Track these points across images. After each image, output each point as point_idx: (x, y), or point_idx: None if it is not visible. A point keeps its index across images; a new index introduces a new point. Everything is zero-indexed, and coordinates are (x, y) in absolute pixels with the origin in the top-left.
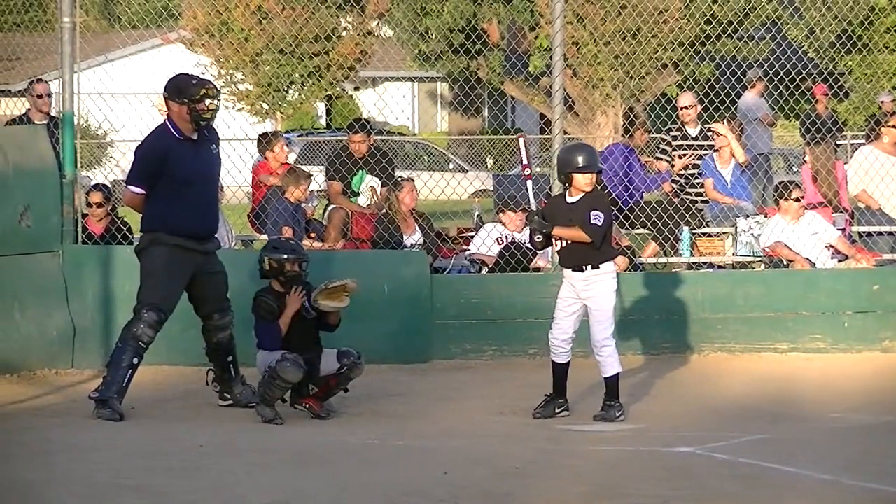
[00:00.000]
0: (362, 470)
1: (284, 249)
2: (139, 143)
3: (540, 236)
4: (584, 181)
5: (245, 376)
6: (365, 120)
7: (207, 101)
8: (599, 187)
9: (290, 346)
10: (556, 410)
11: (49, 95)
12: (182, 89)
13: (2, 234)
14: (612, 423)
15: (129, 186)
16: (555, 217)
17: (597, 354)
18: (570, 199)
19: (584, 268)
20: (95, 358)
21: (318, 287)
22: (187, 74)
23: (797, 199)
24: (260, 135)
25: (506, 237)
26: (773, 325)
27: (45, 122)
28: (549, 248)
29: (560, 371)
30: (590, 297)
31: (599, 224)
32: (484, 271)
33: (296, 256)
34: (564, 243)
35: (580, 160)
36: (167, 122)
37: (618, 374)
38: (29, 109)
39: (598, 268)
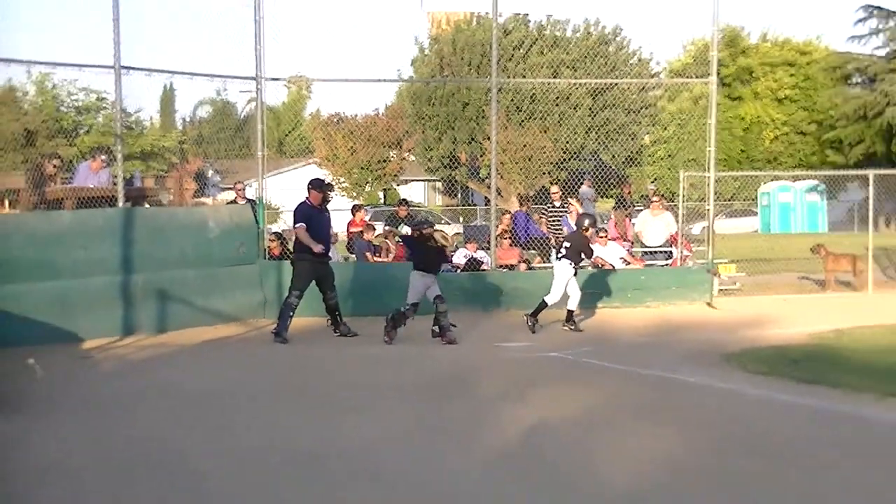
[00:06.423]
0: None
1: (424, 224)
2: (296, 207)
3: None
4: (590, 231)
5: (347, 321)
6: (404, 200)
7: (328, 192)
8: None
9: (424, 264)
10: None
11: (242, 190)
12: (319, 185)
13: (230, 257)
14: (518, 342)
15: (296, 226)
16: (577, 242)
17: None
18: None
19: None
20: (273, 315)
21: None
22: (320, 179)
23: (596, 232)
24: (353, 205)
25: (468, 256)
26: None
27: (244, 202)
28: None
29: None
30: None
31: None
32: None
33: (427, 224)
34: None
35: (586, 223)
36: (307, 199)
37: (547, 304)
38: (235, 198)
39: (560, 261)
